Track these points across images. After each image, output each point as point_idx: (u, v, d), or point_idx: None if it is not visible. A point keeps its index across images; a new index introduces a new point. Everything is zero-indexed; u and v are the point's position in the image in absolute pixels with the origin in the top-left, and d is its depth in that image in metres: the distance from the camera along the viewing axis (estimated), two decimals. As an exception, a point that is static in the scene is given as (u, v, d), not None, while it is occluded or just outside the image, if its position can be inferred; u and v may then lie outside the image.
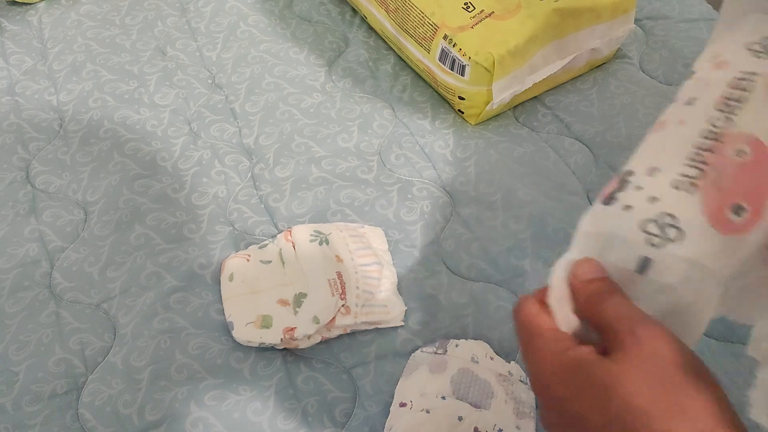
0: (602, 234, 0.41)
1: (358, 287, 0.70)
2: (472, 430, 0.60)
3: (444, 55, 0.87)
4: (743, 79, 0.46)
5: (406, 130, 0.88)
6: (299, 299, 0.69)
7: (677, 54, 0.97)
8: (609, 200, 0.42)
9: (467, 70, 0.85)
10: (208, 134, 0.88)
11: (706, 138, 0.43)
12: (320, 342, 0.68)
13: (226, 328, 0.70)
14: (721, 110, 0.44)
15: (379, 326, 0.69)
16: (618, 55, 0.97)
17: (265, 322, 0.68)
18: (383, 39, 1.00)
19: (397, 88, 0.94)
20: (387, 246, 0.76)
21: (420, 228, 0.78)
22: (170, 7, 1.06)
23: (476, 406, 0.63)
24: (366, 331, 0.69)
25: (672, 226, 0.39)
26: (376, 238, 0.76)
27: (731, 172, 0.41)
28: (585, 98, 0.92)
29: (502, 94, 0.86)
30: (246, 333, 0.68)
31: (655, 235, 0.39)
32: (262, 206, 0.81)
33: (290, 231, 0.75)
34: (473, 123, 0.89)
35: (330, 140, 0.87)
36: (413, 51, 0.91)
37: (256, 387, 0.66)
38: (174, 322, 0.70)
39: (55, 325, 0.70)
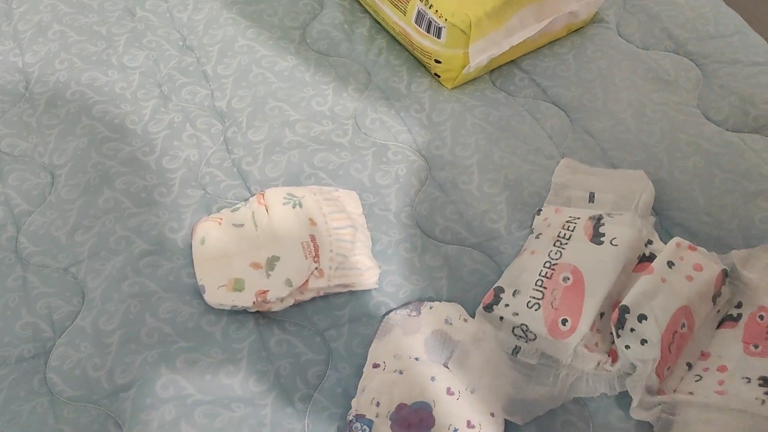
0: (488, 331, 0.64)
1: (331, 250, 0.69)
2: (445, 390, 0.60)
3: (420, 17, 0.85)
4: (570, 222, 0.69)
5: (382, 94, 0.87)
6: (272, 262, 0.68)
7: (655, 19, 0.96)
8: (489, 308, 0.65)
9: (443, 32, 0.83)
10: (179, 97, 0.86)
11: (545, 267, 0.66)
12: (293, 305, 0.68)
13: (198, 292, 0.69)
14: (555, 245, 0.68)
15: (352, 289, 0.69)
16: (596, 19, 0.96)
17: (238, 285, 0.67)
18: (359, 1, 0.98)
19: (372, 51, 0.92)
20: (361, 209, 0.75)
21: (395, 191, 0.77)
22: (140, -33, 1.03)
23: (449, 367, 0.63)
24: (340, 293, 0.69)
25: (529, 330, 0.63)
26: (351, 201, 0.75)
27: (560, 294, 0.64)
28: (562, 62, 0.91)
29: (479, 56, 0.85)
30: (218, 296, 0.67)
31: (520, 336, 0.64)
32: (235, 170, 0.79)
33: (263, 194, 0.74)
34: (449, 87, 0.88)
35: (304, 104, 0.86)
36: (389, 13, 0.90)
37: (228, 350, 0.65)
38: (144, 286, 0.69)
39: (22, 290, 0.69)
